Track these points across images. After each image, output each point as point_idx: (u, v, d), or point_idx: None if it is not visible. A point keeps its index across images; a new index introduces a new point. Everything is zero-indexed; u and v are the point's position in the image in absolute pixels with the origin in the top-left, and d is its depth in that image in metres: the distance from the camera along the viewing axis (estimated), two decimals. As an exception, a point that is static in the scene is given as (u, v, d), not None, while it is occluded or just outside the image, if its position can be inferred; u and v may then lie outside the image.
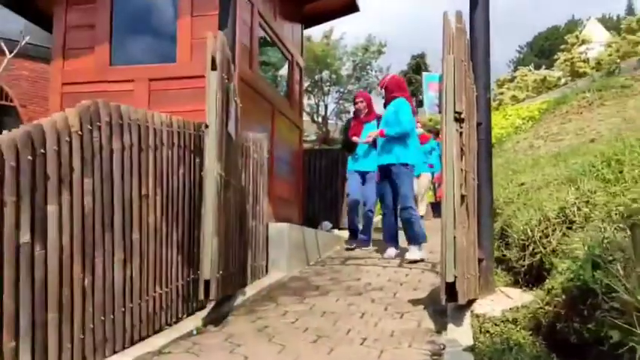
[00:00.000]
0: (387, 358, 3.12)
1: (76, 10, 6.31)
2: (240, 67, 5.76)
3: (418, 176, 9.68)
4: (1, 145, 2.45)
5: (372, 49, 41.32)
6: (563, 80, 27.15)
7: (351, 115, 8.97)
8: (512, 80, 31.23)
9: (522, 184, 6.46)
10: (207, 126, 3.92)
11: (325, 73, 33.28)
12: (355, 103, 7.45)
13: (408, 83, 33.60)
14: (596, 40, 28.98)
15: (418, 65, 33.08)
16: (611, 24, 48.20)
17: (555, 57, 30.29)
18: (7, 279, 2.49)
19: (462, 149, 3.67)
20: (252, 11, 6.35)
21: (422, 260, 5.85)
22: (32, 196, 2.63)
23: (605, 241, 2.57)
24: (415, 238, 5.96)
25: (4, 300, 2.48)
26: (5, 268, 2.49)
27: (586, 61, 26.48)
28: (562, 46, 29.54)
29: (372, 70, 33.26)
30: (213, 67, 3.97)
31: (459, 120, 3.60)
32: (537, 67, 32.23)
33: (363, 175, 7.04)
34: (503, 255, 4.83)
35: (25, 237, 2.58)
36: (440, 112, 3.94)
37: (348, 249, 7.07)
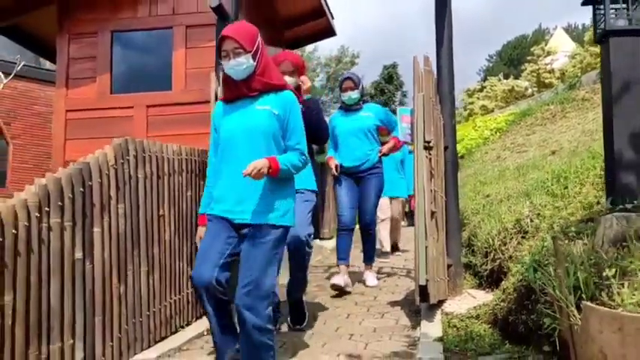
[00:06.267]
0: (371, 348, 3.75)
1: (78, 43, 6.90)
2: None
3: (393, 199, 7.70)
4: (61, 179, 3.03)
5: (345, 60, 42.18)
6: (530, 90, 28.20)
7: None
8: (481, 90, 32.17)
9: (488, 195, 7.18)
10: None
11: (300, 85, 33.84)
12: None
13: (381, 93, 34.33)
14: (562, 50, 30.10)
15: (390, 75, 33.85)
16: (576, 33, 49.65)
17: (523, 67, 31.42)
18: (66, 290, 3.07)
19: (431, 172, 4.33)
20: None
21: None
22: (83, 220, 3.22)
23: (544, 249, 3.25)
24: None
25: (64, 307, 3.05)
26: (65, 280, 3.06)
27: (551, 71, 27.52)
28: (528, 57, 30.63)
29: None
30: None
31: (428, 148, 4.26)
32: (506, 77, 33.17)
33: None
34: (470, 261, 5.51)
35: (78, 254, 3.16)
36: (412, 140, 4.58)
37: None
